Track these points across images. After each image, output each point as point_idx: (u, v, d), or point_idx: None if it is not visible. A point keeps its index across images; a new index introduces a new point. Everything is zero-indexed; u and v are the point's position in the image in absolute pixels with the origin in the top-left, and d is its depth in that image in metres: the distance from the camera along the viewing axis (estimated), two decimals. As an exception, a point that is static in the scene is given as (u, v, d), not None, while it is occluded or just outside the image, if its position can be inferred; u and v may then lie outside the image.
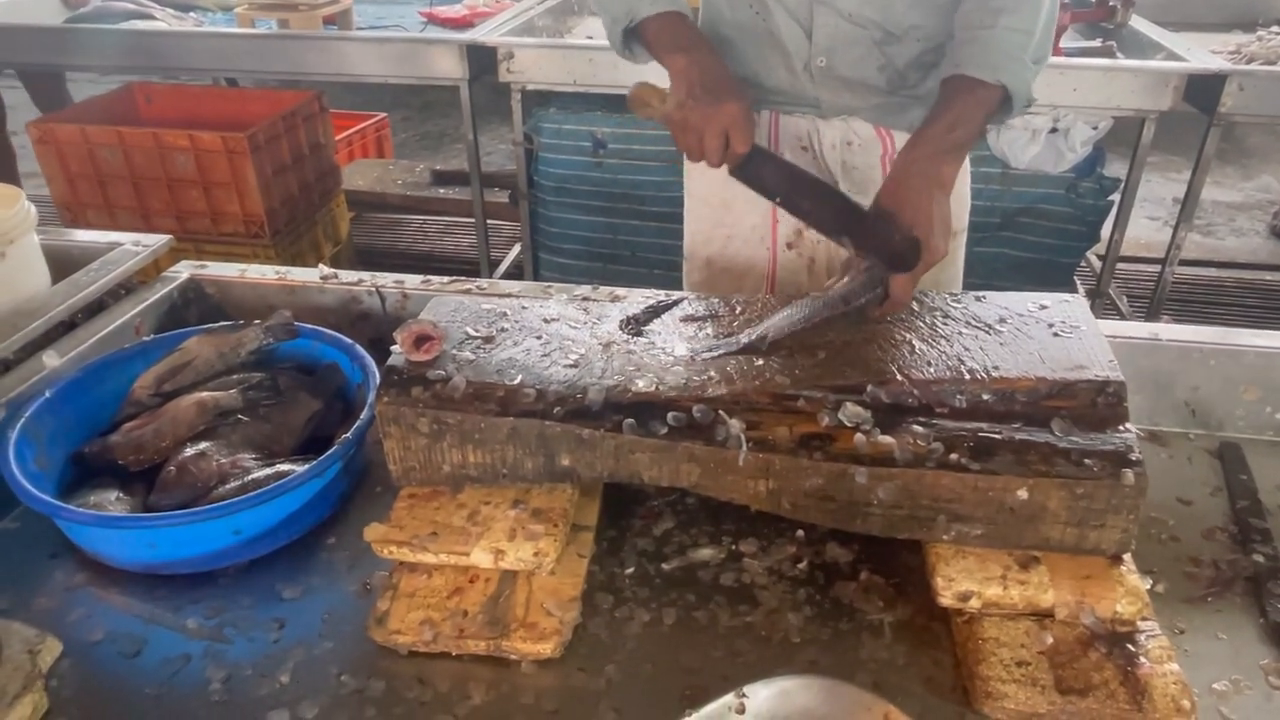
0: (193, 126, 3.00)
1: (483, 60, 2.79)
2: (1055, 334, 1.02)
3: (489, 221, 3.22)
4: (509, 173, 3.51)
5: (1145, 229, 4.22)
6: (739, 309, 1.13)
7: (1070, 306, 1.08)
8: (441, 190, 3.76)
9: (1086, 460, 0.88)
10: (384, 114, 4.43)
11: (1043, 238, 2.69)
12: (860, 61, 1.32)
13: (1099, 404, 0.94)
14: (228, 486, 1.01)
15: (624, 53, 1.32)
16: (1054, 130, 2.53)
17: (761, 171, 1.17)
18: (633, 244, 3.02)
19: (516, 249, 3.48)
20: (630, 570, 0.99)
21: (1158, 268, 3.04)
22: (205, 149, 2.91)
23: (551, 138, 2.92)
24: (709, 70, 1.17)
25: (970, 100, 1.16)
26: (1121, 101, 2.48)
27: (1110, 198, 2.68)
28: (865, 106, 1.36)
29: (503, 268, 3.46)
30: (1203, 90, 2.47)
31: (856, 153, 1.40)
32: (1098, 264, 3.15)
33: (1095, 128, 2.53)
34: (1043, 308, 1.08)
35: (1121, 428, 0.92)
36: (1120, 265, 2.92)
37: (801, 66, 1.34)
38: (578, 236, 3.08)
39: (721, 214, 1.48)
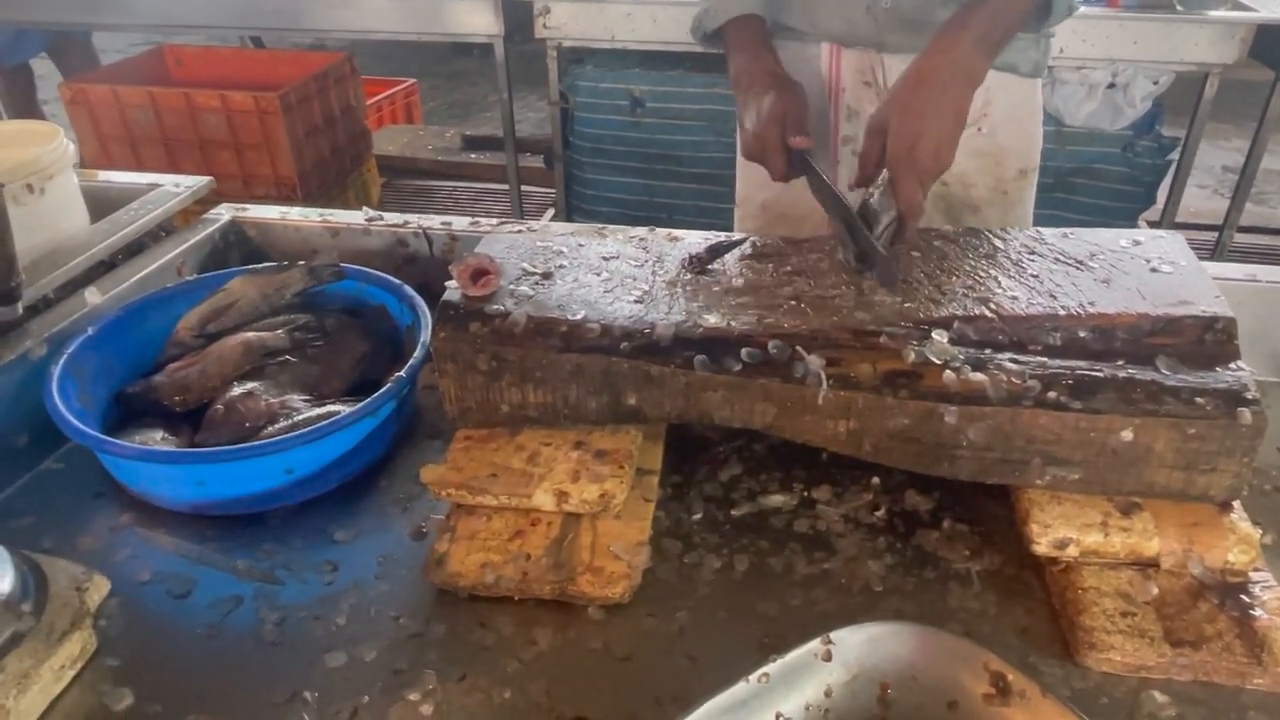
0: (223, 89, 2.96)
1: (518, 16, 2.72)
2: (1153, 269, 0.96)
3: (522, 187, 3.17)
4: (540, 138, 3.45)
5: (1194, 197, 4.08)
6: (806, 247, 1.07)
7: (1166, 242, 1.01)
8: (473, 155, 3.71)
9: (1198, 399, 0.81)
10: (413, 80, 4.37)
11: (1097, 199, 2.60)
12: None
13: (1207, 341, 0.87)
14: (277, 426, 0.97)
15: (705, 45, 1.33)
16: (1111, 85, 2.43)
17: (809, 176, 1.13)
18: (670, 206, 2.96)
19: (550, 214, 3.42)
20: (698, 516, 0.94)
21: (1211, 235, 2.94)
22: (237, 109, 2.88)
23: (588, 96, 2.86)
24: (758, 66, 1.18)
25: None
26: (1185, 54, 2.37)
27: (1169, 157, 2.58)
28: None
29: (535, 233, 3.40)
30: (1270, 44, 2.36)
31: None
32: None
33: (1156, 82, 2.43)
34: (1136, 243, 1.01)
35: (1233, 365, 0.85)
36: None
37: (864, 10, 1.27)
38: (614, 199, 3.02)
39: None
